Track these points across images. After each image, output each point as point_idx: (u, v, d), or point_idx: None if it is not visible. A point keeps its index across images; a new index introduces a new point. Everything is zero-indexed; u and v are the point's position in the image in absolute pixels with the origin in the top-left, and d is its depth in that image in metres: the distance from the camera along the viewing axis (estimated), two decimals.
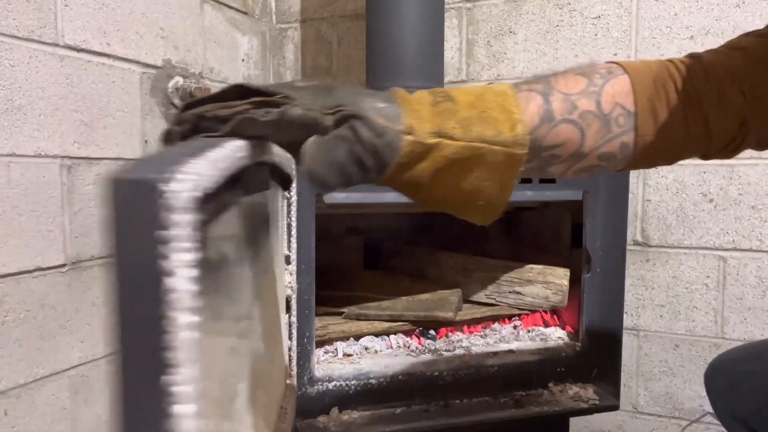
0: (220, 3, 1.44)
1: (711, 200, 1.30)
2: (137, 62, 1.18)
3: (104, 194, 0.28)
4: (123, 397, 0.26)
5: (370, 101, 0.44)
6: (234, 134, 0.43)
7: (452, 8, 1.48)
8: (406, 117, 0.44)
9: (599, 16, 1.37)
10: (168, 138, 0.45)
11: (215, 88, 1.40)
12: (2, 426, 0.94)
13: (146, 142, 1.21)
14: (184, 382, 0.26)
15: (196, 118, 0.44)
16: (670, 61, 0.55)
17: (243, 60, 1.54)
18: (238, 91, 0.45)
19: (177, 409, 0.26)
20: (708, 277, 1.31)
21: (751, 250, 1.28)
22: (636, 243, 1.37)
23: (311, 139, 0.43)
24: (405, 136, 0.44)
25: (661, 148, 0.54)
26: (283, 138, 0.45)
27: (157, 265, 0.26)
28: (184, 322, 0.26)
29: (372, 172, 0.44)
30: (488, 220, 0.51)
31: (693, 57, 0.55)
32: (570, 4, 1.39)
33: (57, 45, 1.01)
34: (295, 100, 0.43)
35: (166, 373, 0.26)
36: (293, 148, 0.45)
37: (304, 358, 0.97)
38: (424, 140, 0.45)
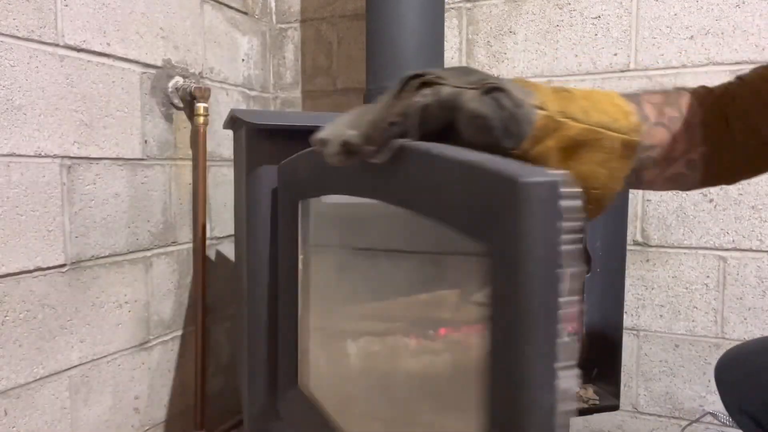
0: (220, 3, 1.44)
1: (711, 200, 1.30)
2: (137, 62, 1.18)
3: (509, 195, 0.34)
4: (525, 359, 0.33)
5: (505, 80, 0.48)
6: (422, 131, 0.47)
7: (452, 8, 1.48)
8: (538, 95, 0.49)
9: (599, 16, 1.37)
10: (363, 155, 0.48)
11: (215, 88, 1.40)
12: (2, 426, 0.94)
13: (146, 142, 1.21)
14: (567, 348, 0.33)
15: (384, 128, 0.47)
16: (719, 85, 0.59)
17: (243, 60, 1.54)
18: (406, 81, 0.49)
19: (563, 372, 0.33)
20: (708, 277, 1.31)
21: (751, 250, 1.28)
22: (636, 243, 1.37)
23: (468, 95, 0.46)
24: (539, 111, 0.48)
25: (723, 163, 0.57)
26: (438, 121, 0.48)
27: (560, 254, 0.34)
28: (568, 301, 0.34)
29: (513, 140, 0.48)
30: (597, 212, 0.54)
31: (738, 77, 0.59)
32: (570, 4, 1.39)
33: (57, 45, 1.01)
34: (445, 79, 0.47)
35: (556, 343, 0.33)
36: (437, 133, 0.48)
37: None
38: (555, 117, 0.49)
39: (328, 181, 0.71)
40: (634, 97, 0.55)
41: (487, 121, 0.46)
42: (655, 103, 0.55)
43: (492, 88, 0.46)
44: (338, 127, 0.50)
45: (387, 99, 0.48)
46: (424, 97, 0.46)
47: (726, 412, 1.30)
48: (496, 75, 0.51)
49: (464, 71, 0.49)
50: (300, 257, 0.88)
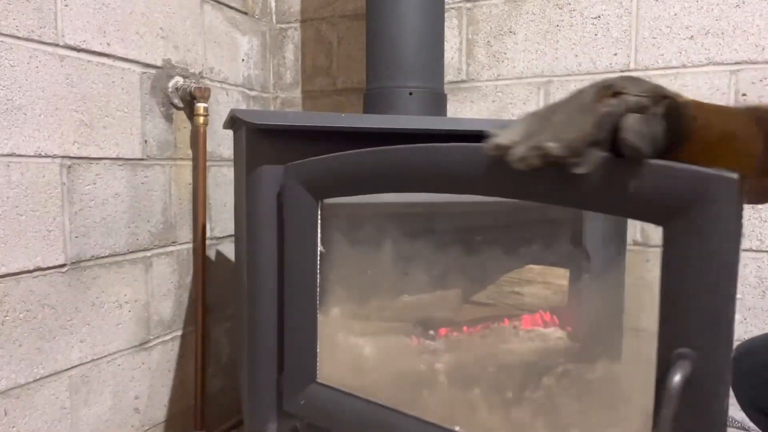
0: (220, 3, 1.44)
1: None
2: (137, 62, 1.18)
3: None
4: (725, 300, 0.54)
5: (670, 90, 0.56)
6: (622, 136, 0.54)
7: (452, 8, 1.48)
8: (691, 106, 0.57)
9: (599, 16, 1.37)
10: (566, 166, 0.54)
11: (215, 88, 1.40)
12: (2, 426, 0.94)
13: (146, 142, 1.21)
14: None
15: (587, 140, 0.53)
16: None
17: (243, 60, 1.54)
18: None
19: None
20: None
21: (751, 250, 1.28)
22: (636, 243, 1.36)
23: (632, 117, 0.52)
24: (694, 121, 0.56)
25: None
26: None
27: (742, 225, 0.54)
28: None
29: (677, 143, 0.55)
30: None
31: None
32: (570, 4, 1.39)
33: (57, 45, 1.01)
34: (626, 88, 0.53)
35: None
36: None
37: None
38: (704, 125, 0.57)
39: (393, 180, 0.81)
40: None
41: (641, 151, 0.53)
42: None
43: (663, 96, 0.54)
44: (520, 133, 0.55)
45: (578, 108, 0.53)
46: (614, 107, 0.52)
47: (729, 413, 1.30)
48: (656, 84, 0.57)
49: (636, 80, 0.56)
50: (319, 254, 0.91)
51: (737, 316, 1.29)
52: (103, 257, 1.12)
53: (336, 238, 1.01)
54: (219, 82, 1.44)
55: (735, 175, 0.50)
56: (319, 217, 0.89)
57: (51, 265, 1.01)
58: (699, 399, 0.53)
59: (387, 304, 1.22)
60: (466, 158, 0.69)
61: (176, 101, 1.28)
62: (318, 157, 0.86)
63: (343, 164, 0.84)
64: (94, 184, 1.09)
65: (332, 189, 0.87)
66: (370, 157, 0.82)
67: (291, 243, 0.91)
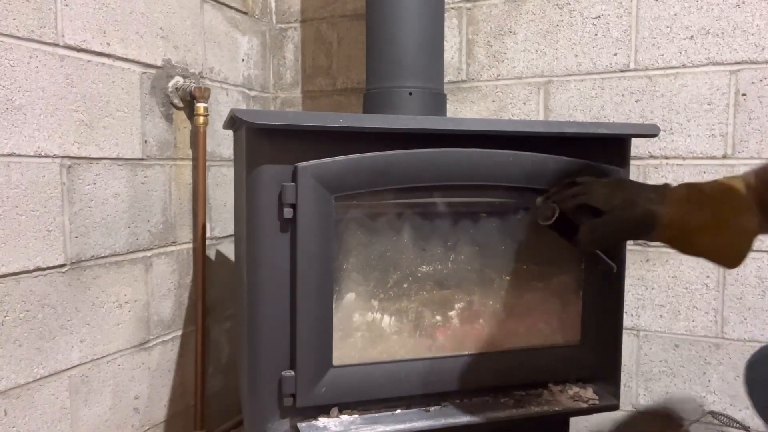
0: (220, 3, 1.44)
1: None
2: (137, 62, 1.18)
3: None
4: None
5: (646, 194, 0.81)
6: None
7: (452, 8, 1.48)
8: (666, 205, 0.80)
9: (599, 16, 1.37)
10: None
11: (215, 88, 1.40)
12: (2, 426, 0.94)
13: (146, 142, 1.21)
14: None
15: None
16: None
17: (243, 60, 1.54)
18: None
19: None
20: (708, 277, 1.31)
21: (750, 250, 1.27)
22: (636, 243, 1.36)
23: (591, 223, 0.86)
24: (663, 215, 0.79)
25: None
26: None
27: None
28: None
29: (642, 235, 0.83)
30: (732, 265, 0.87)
31: None
32: (570, 4, 1.39)
33: (57, 45, 1.01)
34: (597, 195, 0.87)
35: None
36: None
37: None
38: (671, 219, 0.79)
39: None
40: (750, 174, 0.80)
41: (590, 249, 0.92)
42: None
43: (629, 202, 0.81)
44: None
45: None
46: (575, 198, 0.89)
47: (726, 414, 1.30)
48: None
49: (615, 187, 0.86)
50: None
51: (738, 317, 1.29)
52: (103, 257, 1.12)
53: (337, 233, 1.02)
54: (219, 82, 1.44)
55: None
56: (333, 212, 0.95)
57: (51, 265, 1.01)
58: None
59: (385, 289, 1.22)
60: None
61: (176, 101, 1.28)
62: (335, 157, 0.94)
63: (359, 163, 0.94)
64: (94, 184, 1.09)
65: (348, 185, 0.95)
66: (384, 157, 0.95)
67: (306, 238, 0.93)
